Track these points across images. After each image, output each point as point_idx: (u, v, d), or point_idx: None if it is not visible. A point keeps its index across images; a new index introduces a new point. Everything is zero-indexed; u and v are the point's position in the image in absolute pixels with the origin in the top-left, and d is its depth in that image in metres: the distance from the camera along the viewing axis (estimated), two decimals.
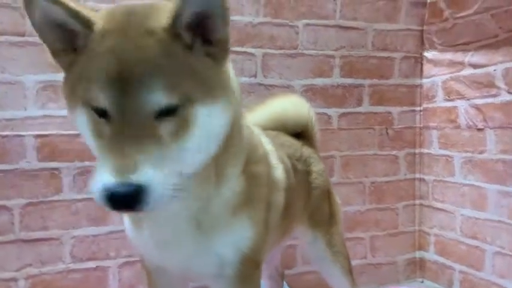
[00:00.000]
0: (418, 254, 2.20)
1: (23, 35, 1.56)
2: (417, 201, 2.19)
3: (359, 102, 2.07)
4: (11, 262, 1.60)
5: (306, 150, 1.36)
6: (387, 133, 2.14)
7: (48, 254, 1.65)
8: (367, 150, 2.09)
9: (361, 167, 2.08)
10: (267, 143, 1.10)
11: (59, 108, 1.64)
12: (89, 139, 0.76)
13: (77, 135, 1.66)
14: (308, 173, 1.32)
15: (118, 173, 0.64)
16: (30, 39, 1.55)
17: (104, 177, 0.65)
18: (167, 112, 0.69)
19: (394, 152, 2.15)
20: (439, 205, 2.08)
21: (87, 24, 0.71)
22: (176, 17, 0.70)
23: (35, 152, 1.62)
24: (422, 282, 2.17)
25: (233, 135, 0.84)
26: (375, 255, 2.13)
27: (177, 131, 0.70)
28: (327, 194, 1.39)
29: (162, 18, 0.70)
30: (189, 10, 0.70)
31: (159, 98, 0.68)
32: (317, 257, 1.38)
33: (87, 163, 1.68)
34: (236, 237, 0.89)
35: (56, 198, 1.65)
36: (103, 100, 0.69)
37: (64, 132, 1.65)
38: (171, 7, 0.70)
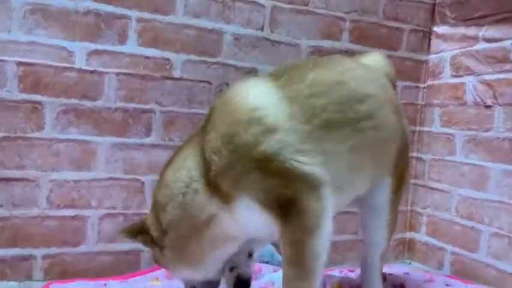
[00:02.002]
0: (408, 235, 2.14)
1: None
2: (412, 181, 2.13)
3: None
4: None
5: (398, 100, 1.29)
6: None
7: (22, 196, 1.49)
8: None
9: None
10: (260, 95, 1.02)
11: (48, 36, 1.48)
12: None
13: (65, 69, 1.51)
14: (399, 118, 1.20)
15: None
16: None
17: None
18: None
19: None
20: (434, 185, 2.02)
21: None
22: None
23: (16, 80, 1.45)
24: (409, 263, 2.11)
25: None
26: None
27: None
28: (407, 154, 1.29)
29: None
30: None
31: None
32: (371, 207, 1.24)
33: (74, 100, 1.53)
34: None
35: (36, 135, 1.49)
36: None
37: (51, 63, 1.49)
38: None
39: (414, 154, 2.12)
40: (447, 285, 1.52)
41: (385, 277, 1.65)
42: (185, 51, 1.66)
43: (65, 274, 1.53)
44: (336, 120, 1.01)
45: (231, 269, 1.24)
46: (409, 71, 2.08)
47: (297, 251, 0.94)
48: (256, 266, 1.63)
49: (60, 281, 1.46)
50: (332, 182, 0.97)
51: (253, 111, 0.96)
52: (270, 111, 0.96)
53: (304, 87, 1.01)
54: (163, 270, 1.42)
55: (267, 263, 1.68)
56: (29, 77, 1.47)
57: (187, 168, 1.03)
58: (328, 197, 0.95)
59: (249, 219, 0.99)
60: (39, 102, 1.48)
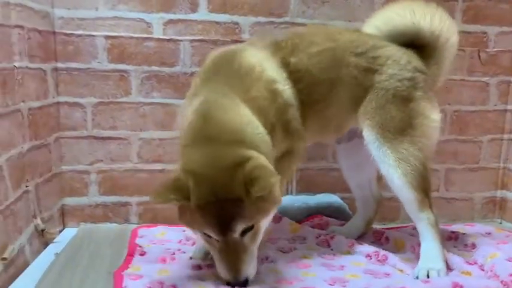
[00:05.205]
0: (499, 193, 2.01)
1: None
2: (506, 136, 1.96)
3: None
4: (84, 156, 1.72)
5: (387, 52, 1.37)
6: (479, 56, 1.89)
7: (117, 152, 1.74)
8: (453, 74, 1.86)
9: (443, 93, 1.87)
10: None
11: (129, 10, 1.65)
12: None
13: (145, 39, 1.68)
14: (373, 71, 1.36)
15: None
16: None
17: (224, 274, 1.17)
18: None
19: (485, 79, 1.92)
20: None
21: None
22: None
23: (105, 52, 1.66)
24: (500, 223, 1.99)
25: None
26: (449, 190, 1.98)
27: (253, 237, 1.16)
28: (402, 101, 1.34)
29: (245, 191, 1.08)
30: None
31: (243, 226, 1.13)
32: (380, 160, 1.34)
33: (154, 68, 1.70)
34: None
35: (124, 100, 1.71)
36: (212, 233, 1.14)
37: (133, 35, 1.67)
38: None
39: (509, 107, 1.94)
40: None
41: (457, 236, 1.61)
42: (253, 14, 1.71)
43: (156, 219, 1.77)
44: (304, 100, 1.35)
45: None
46: (506, 14, 1.87)
47: (287, 167, 1.37)
48: (324, 219, 1.71)
49: (147, 225, 1.71)
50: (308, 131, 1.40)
51: (274, 83, 1.30)
52: (285, 88, 1.32)
53: (291, 72, 1.33)
54: None
55: (337, 218, 1.74)
56: (115, 49, 1.67)
57: (248, 117, 1.25)
58: (305, 142, 1.41)
59: None
60: (125, 71, 1.69)
